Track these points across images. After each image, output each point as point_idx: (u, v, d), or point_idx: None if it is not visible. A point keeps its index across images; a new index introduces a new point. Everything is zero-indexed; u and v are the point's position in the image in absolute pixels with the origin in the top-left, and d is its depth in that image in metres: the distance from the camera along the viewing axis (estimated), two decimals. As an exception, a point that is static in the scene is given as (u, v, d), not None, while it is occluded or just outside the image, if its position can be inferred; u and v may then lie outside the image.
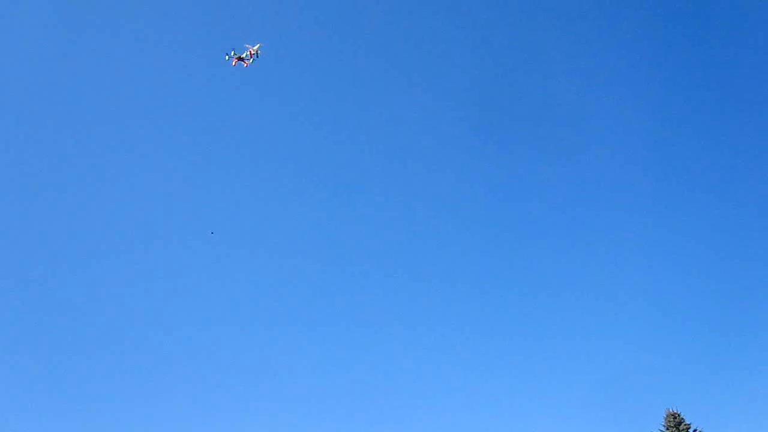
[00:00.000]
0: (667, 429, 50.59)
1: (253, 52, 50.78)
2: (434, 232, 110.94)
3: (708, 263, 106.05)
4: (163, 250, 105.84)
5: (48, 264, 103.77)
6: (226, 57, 50.78)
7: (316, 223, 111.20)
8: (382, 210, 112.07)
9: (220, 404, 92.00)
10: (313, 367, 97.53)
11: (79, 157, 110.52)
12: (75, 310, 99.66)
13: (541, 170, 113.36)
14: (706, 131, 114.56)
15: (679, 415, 50.98)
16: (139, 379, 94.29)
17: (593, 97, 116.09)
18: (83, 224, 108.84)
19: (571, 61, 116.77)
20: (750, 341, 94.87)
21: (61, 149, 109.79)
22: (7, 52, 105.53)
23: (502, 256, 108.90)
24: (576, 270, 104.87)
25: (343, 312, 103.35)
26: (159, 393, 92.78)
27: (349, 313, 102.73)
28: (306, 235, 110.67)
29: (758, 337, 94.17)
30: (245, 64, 50.88)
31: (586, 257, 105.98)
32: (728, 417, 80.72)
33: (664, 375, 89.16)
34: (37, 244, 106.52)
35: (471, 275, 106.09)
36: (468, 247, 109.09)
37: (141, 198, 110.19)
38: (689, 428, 50.19)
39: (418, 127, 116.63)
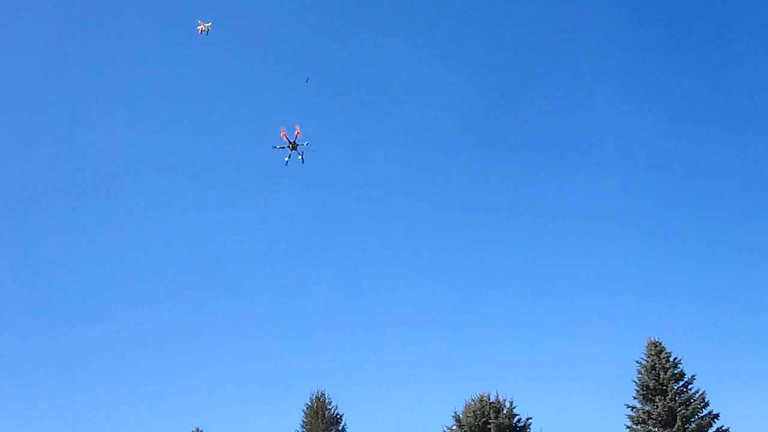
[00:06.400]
0: (649, 357, 52.05)
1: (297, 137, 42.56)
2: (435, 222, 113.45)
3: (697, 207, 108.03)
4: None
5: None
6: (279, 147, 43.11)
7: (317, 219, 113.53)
8: (384, 206, 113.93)
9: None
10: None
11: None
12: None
13: (540, 170, 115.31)
14: (706, 132, 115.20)
15: (660, 344, 52.40)
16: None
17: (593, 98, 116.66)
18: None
19: (571, 63, 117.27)
20: (733, 278, 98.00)
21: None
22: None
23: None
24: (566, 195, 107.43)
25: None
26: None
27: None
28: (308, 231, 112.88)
29: (739, 273, 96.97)
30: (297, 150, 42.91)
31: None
32: (707, 346, 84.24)
33: (646, 306, 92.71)
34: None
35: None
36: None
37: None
38: (669, 356, 51.64)
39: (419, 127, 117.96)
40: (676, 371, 51.06)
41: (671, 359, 51.41)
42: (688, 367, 51.39)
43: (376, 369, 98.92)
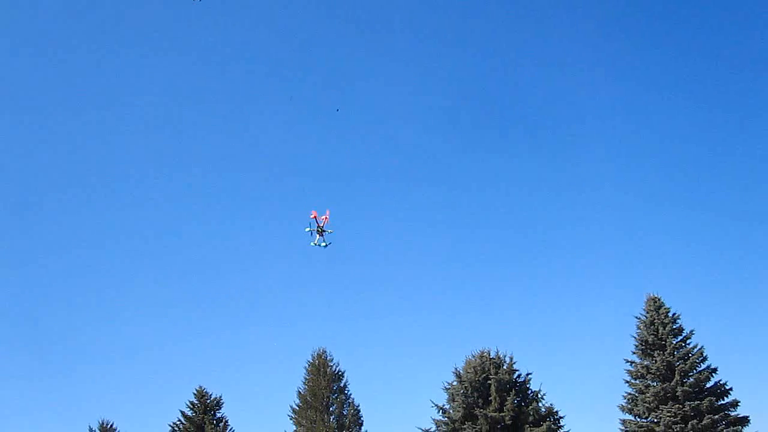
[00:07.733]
0: (648, 312, 52.32)
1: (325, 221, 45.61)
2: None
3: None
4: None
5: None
6: (309, 230, 45.92)
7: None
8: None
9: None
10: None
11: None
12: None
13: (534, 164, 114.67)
14: (701, 129, 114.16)
15: (659, 299, 52.63)
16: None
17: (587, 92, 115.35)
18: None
19: (566, 60, 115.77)
20: (732, 235, 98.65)
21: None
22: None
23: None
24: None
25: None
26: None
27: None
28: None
29: (737, 230, 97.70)
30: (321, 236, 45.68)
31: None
32: (705, 301, 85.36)
33: (645, 262, 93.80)
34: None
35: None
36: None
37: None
38: (668, 311, 51.89)
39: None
40: (674, 326, 51.35)
41: (670, 314, 51.65)
42: (686, 322, 51.86)
43: (376, 327, 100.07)
